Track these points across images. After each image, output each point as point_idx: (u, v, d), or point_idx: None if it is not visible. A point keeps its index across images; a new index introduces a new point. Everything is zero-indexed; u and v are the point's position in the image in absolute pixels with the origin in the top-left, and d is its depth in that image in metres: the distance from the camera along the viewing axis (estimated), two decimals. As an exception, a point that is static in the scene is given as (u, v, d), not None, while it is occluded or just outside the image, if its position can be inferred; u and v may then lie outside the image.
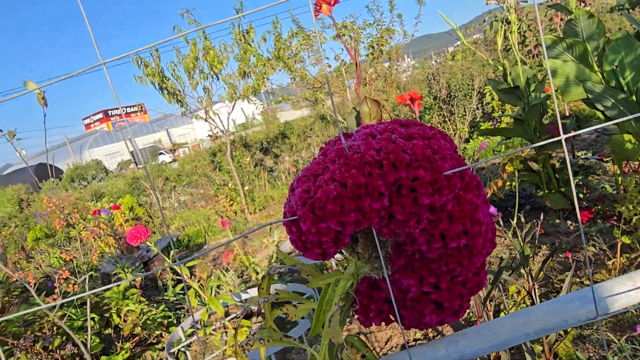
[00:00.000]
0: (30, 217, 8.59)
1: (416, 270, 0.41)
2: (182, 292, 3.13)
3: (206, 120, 5.28)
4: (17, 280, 4.17)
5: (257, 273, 2.91)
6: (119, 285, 2.71)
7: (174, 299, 3.02)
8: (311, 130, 8.24)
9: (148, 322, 2.55)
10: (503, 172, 2.52)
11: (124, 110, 34.34)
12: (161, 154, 25.30)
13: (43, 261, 5.41)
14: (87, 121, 33.41)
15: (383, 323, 0.46)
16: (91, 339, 2.45)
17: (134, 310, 2.50)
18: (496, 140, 3.38)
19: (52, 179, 18.69)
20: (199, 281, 2.03)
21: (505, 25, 2.78)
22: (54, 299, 2.54)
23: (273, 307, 0.49)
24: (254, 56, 4.95)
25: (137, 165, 24.28)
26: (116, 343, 2.68)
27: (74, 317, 2.41)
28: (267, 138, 8.21)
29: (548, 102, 2.53)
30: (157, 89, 5.07)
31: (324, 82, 6.05)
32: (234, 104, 5.35)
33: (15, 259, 5.86)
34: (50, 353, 2.06)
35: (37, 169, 20.98)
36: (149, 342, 2.82)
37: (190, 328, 1.79)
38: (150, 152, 26.20)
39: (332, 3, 2.35)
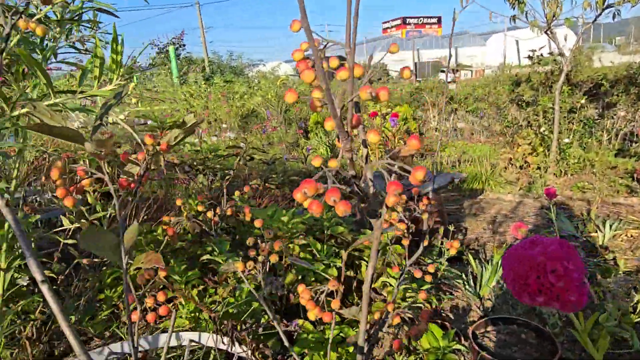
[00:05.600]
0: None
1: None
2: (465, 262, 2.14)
3: (546, 32, 3.68)
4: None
5: None
6: (385, 232, 1.91)
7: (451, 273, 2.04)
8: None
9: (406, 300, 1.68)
10: None
11: (420, 20, 33.99)
12: (442, 71, 24.35)
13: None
14: (385, 25, 34.84)
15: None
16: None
17: (392, 286, 1.66)
18: None
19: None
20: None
21: None
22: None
23: None
24: None
25: (416, 77, 24.16)
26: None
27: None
28: (605, 79, 5.77)
29: None
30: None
31: None
32: (601, 12, 3.49)
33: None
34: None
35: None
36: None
37: None
38: (432, 67, 25.52)
39: None
